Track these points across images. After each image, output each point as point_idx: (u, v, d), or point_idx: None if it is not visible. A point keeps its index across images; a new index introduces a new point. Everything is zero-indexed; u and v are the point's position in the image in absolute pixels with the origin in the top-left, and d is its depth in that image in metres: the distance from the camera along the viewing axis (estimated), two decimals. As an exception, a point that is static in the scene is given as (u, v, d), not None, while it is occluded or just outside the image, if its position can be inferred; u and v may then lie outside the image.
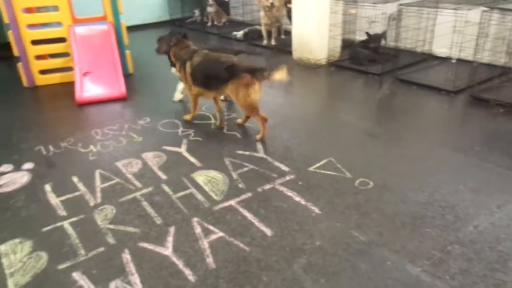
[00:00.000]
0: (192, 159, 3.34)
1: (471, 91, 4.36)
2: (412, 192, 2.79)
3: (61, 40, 5.27)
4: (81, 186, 3.02)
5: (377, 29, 5.45)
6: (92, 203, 2.82)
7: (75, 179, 3.10)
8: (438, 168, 3.07)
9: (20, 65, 5.14)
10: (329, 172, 3.06)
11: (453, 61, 4.89)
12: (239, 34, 7.35)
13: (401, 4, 4.84)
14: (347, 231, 2.44)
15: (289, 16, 6.48)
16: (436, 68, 5.33)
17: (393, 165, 3.12)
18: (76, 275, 2.20)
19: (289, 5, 6.23)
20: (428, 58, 5.58)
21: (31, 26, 5.24)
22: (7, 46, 5.38)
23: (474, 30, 4.35)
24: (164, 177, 3.10)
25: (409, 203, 2.68)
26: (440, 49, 5.50)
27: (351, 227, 2.48)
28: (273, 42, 6.71)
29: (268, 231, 2.47)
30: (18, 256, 2.36)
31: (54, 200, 2.88)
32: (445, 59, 5.44)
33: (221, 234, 2.46)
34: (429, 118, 4.11)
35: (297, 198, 2.77)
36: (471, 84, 4.43)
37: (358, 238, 2.38)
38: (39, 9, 5.95)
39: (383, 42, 5.51)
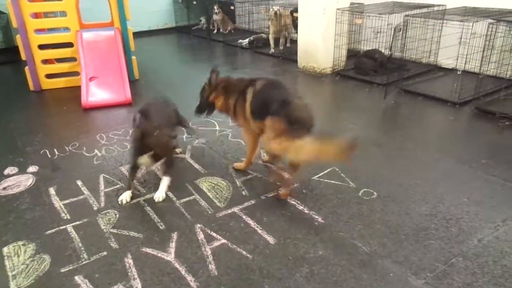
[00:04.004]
0: (196, 166, 3.35)
1: (476, 103, 4.36)
2: (416, 204, 2.78)
3: (68, 45, 5.32)
4: (85, 190, 3.03)
5: (383, 39, 5.47)
6: (95, 207, 2.82)
7: (79, 183, 3.11)
8: (442, 180, 3.06)
9: (27, 69, 5.19)
10: (333, 181, 3.05)
11: (459, 72, 4.90)
12: (245, 42, 7.40)
13: (407, 15, 4.86)
14: (350, 241, 2.43)
15: (294, 25, 6.53)
16: (442, 79, 5.34)
17: (397, 176, 3.11)
18: (78, 279, 2.20)
19: (295, 14, 6.28)
20: (434, 69, 5.59)
21: (39, 31, 5.30)
22: (15, 50, 5.45)
23: (480, 42, 4.36)
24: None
25: (413, 214, 2.67)
26: (445, 60, 5.52)
27: (354, 237, 2.46)
28: (280, 50, 6.75)
29: (271, 239, 2.47)
30: (21, 258, 2.36)
31: (58, 203, 2.88)
32: (451, 71, 5.45)
33: (224, 241, 2.46)
34: (434, 129, 4.10)
35: (301, 207, 2.76)
36: (477, 96, 4.43)
37: (361, 249, 2.37)
38: (47, 14, 6.04)
39: (387, 53, 5.53)
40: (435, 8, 5.26)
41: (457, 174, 3.14)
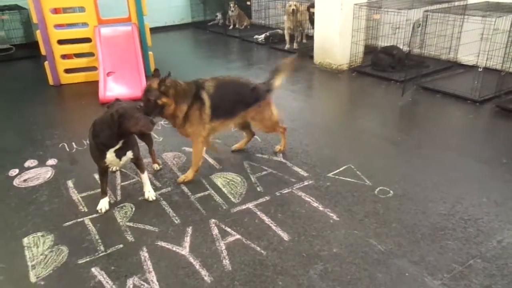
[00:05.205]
0: (211, 161, 3.36)
1: (498, 101, 4.25)
2: (433, 203, 2.73)
3: (87, 40, 5.40)
4: (102, 183, 3.07)
5: (401, 35, 5.38)
6: (112, 201, 2.86)
7: (96, 176, 3.15)
8: (461, 179, 2.99)
9: (46, 63, 5.29)
10: (348, 179, 3.02)
11: (480, 69, 4.78)
12: (261, 37, 7.37)
13: (426, 10, 4.76)
14: (365, 240, 2.41)
15: (311, 20, 6.47)
16: (462, 76, 5.22)
17: (414, 174, 3.06)
18: (95, 271, 2.24)
19: (311, 10, 6.22)
20: (453, 66, 5.47)
21: (58, 26, 5.39)
22: (35, 45, 5.56)
23: (503, 38, 4.24)
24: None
25: (430, 214, 2.62)
26: (466, 57, 5.39)
27: (370, 236, 2.44)
28: (295, 46, 6.71)
29: (285, 236, 2.46)
30: (40, 249, 2.42)
31: (75, 196, 2.94)
32: (471, 67, 5.32)
33: (238, 236, 2.47)
34: (453, 127, 4.02)
35: (315, 204, 2.75)
36: (498, 94, 4.32)
37: (376, 247, 2.35)
38: (65, 10, 6.13)
39: (406, 49, 5.43)
40: (456, 3, 5.13)
41: (476, 174, 3.07)
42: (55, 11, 5.56)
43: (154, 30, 6.41)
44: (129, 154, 2.72)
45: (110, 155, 2.62)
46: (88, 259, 2.33)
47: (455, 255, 2.27)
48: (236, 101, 3.09)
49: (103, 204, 2.76)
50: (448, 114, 4.27)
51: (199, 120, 2.93)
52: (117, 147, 2.61)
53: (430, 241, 2.38)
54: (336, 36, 5.55)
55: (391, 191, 2.86)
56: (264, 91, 3.20)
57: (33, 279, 2.20)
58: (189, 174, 3.07)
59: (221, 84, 3.05)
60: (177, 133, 3.08)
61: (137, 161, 2.82)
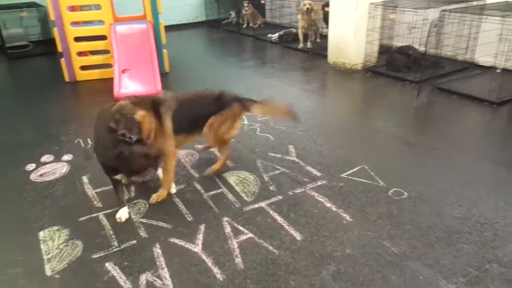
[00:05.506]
0: (224, 159, 3.37)
1: (515, 103, 4.17)
2: (448, 206, 2.69)
3: (102, 37, 5.46)
4: (116, 179, 3.10)
5: (417, 35, 5.31)
6: (126, 197, 2.89)
7: (110, 172, 3.19)
8: (477, 182, 2.94)
9: (63, 60, 5.36)
10: (362, 180, 3.00)
11: (498, 70, 4.69)
12: (274, 36, 7.36)
13: (443, 10, 4.69)
14: (378, 241, 2.39)
15: (325, 19, 6.43)
16: (479, 77, 5.13)
17: (429, 176, 3.02)
18: (109, 266, 2.27)
19: (326, 9, 6.18)
20: (470, 67, 5.38)
21: (75, 23, 5.46)
22: (51, 42, 5.64)
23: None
24: (196, 175, 3.14)
25: (445, 216, 2.59)
26: (483, 57, 5.29)
27: (383, 238, 2.42)
28: (309, 45, 6.68)
29: (298, 235, 2.45)
30: (56, 243, 2.46)
31: (90, 191, 2.98)
32: (489, 69, 5.22)
33: (250, 235, 2.47)
34: (469, 129, 3.95)
35: (328, 204, 2.73)
36: (517, 96, 4.23)
37: (390, 249, 2.32)
38: (82, 8, 6.21)
39: (422, 49, 5.36)
40: (474, 3, 5.05)
41: (494, 177, 3.01)
42: (72, 8, 5.63)
43: (168, 28, 6.45)
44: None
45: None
46: (102, 254, 2.35)
47: (471, 259, 2.24)
48: (198, 114, 2.88)
49: (123, 214, 2.65)
50: (465, 115, 4.21)
51: (162, 135, 2.66)
52: None
53: (445, 244, 2.35)
54: (351, 36, 5.51)
55: (405, 193, 2.83)
56: (231, 100, 2.93)
57: (48, 272, 2.24)
58: (162, 194, 2.83)
59: (182, 98, 2.84)
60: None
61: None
